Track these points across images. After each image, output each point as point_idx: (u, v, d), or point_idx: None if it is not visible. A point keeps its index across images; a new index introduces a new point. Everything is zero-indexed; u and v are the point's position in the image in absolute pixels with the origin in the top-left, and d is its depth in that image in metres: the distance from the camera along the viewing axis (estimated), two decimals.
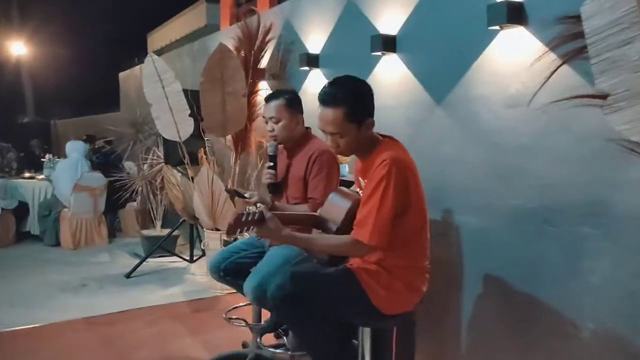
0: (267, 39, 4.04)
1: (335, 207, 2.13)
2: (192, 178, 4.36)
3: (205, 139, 4.64)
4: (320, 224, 2.14)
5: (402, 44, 2.98)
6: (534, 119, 2.27)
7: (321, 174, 2.51)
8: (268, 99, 2.63)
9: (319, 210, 2.20)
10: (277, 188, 2.62)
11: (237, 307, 3.20)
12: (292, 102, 2.61)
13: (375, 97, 2.04)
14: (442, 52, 2.73)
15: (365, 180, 2.03)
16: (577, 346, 2.11)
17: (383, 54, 3.07)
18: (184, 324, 3.54)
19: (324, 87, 1.99)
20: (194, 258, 5.16)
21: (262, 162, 4.35)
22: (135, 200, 5.88)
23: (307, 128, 2.69)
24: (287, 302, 1.88)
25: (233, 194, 2.45)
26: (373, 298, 1.92)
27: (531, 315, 2.29)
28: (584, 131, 2.08)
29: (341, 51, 3.51)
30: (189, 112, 3.96)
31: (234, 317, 3.05)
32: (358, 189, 2.18)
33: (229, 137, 4.29)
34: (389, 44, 3.00)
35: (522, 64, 2.32)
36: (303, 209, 2.49)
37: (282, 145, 2.67)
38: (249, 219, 1.80)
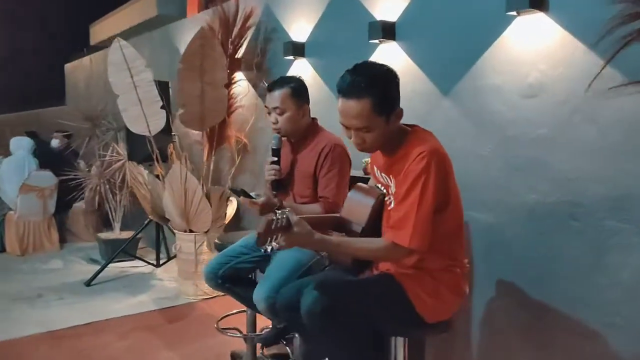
0: (247, 25, 3.77)
1: (357, 206, 1.93)
2: (160, 176, 4.04)
3: (172, 133, 4.34)
4: (342, 225, 1.93)
5: (402, 31, 2.82)
6: (553, 109, 2.18)
7: (333, 170, 2.30)
8: (271, 88, 2.37)
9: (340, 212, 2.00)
10: (281, 185, 2.39)
11: (228, 315, 2.95)
12: (298, 91, 2.37)
13: None
14: (449, 39, 2.58)
15: (391, 176, 1.84)
16: (602, 344, 2.02)
17: (380, 42, 2.90)
18: (159, 336, 3.25)
19: (343, 76, 1.76)
20: (161, 262, 4.81)
21: (239, 158, 4.09)
22: (83, 200, 5.45)
23: (314, 119, 2.47)
24: (324, 315, 1.66)
25: (240, 194, 2.20)
26: (417, 306, 1.74)
27: (548, 314, 2.19)
28: (609, 121, 2.00)
29: (331, 39, 3.31)
30: (161, 104, 3.64)
31: (226, 327, 2.80)
32: (379, 185, 1.99)
33: (200, 131, 4.00)
34: (387, 31, 2.83)
35: (541, 52, 2.22)
36: (314, 209, 2.28)
37: (285, 138, 2.45)
38: (279, 225, 1.57)
